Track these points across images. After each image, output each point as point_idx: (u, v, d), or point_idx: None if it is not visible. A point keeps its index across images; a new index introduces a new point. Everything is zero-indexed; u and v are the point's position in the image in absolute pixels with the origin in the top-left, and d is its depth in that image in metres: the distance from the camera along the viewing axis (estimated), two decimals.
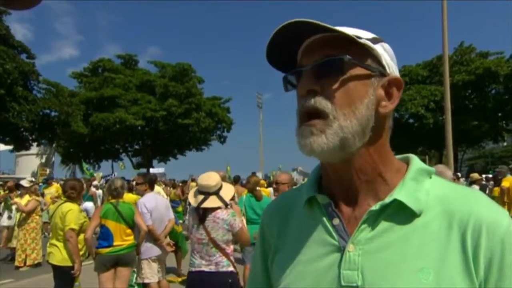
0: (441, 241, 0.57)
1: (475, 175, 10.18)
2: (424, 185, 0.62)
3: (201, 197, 2.97)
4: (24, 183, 7.39)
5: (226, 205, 3.02)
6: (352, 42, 0.60)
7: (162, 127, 27.59)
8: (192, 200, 3.04)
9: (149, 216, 4.13)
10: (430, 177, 0.65)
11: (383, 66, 0.63)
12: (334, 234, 0.63)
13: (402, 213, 0.60)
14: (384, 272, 0.57)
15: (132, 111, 26.25)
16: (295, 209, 0.73)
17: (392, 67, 0.65)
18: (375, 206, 0.60)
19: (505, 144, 47.50)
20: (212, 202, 2.94)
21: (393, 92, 0.64)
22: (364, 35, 0.63)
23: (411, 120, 27.56)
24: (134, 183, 10.54)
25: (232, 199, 3.63)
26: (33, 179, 8.89)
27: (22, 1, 0.66)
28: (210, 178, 3.02)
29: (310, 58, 0.63)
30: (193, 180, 13.19)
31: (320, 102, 0.60)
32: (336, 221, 0.64)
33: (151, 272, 4.15)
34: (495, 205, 0.60)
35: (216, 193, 2.99)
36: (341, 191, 0.66)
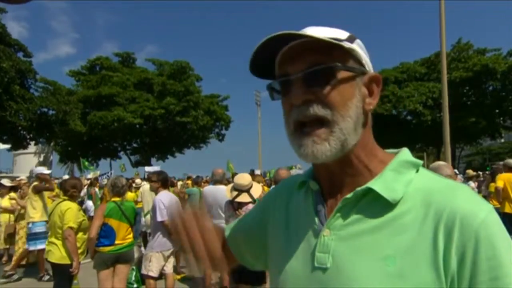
0: (412, 232, 0.57)
1: (470, 172, 10.28)
2: (405, 176, 0.63)
3: (235, 193, 3.79)
4: (5, 182, 7.31)
5: (254, 201, 3.69)
6: (334, 46, 0.61)
7: (160, 125, 27.56)
8: (228, 194, 3.91)
9: (166, 212, 4.26)
10: (417, 170, 0.65)
11: (363, 65, 0.66)
12: (316, 219, 0.68)
13: (377, 203, 0.61)
14: (352, 257, 0.60)
15: (130, 109, 26.19)
16: (295, 192, 0.78)
17: (369, 64, 0.68)
18: (349, 195, 0.63)
19: (502, 140, 47.67)
20: (244, 197, 3.72)
21: (374, 88, 0.67)
22: (340, 35, 0.65)
23: (409, 117, 27.61)
24: (136, 180, 10.59)
25: None
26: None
27: None
28: (244, 179, 3.85)
29: (295, 66, 0.63)
30: (189, 178, 13.26)
31: (319, 110, 0.61)
32: (320, 207, 0.69)
33: (157, 267, 4.26)
34: (477, 198, 0.59)
35: (248, 190, 3.78)
36: (328, 180, 0.70)
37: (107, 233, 3.87)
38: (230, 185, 3.99)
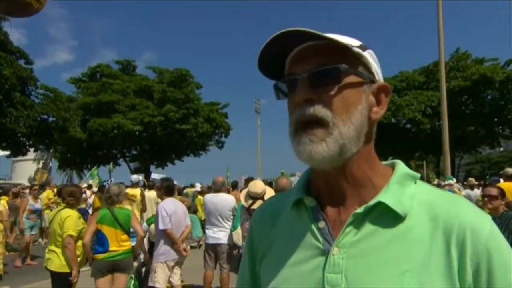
0: (425, 246, 0.58)
1: (472, 180, 10.20)
2: (408, 189, 0.64)
3: (250, 201, 4.06)
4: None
5: None
6: (344, 51, 0.61)
7: (160, 132, 27.55)
8: (243, 202, 4.18)
9: (169, 220, 4.20)
10: (415, 182, 0.66)
11: (372, 73, 0.65)
12: (319, 237, 0.64)
13: (386, 217, 0.61)
14: (367, 276, 0.57)
15: (130, 116, 26.19)
16: (284, 212, 0.73)
17: (379, 74, 0.67)
18: (360, 209, 0.61)
19: (501, 149, 47.69)
20: (258, 204, 3.89)
21: (382, 98, 0.67)
22: (353, 42, 0.64)
23: (408, 126, 27.62)
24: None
25: None
26: None
27: (22, 11, 0.69)
28: (258, 187, 4.14)
29: (303, 67, 0.63)
30: (192, 186, 13.35)
31: (319, 110, 0.60)
32: (321, 224, 0.64)
33: (163, 277, 4.19)
34: (478, 210, 0.62)
35: (262, 197, 4.02)
36: (328, 194, 0.67)
37: (100, 240, 3.85)
38: (244, 192, 4.26)
